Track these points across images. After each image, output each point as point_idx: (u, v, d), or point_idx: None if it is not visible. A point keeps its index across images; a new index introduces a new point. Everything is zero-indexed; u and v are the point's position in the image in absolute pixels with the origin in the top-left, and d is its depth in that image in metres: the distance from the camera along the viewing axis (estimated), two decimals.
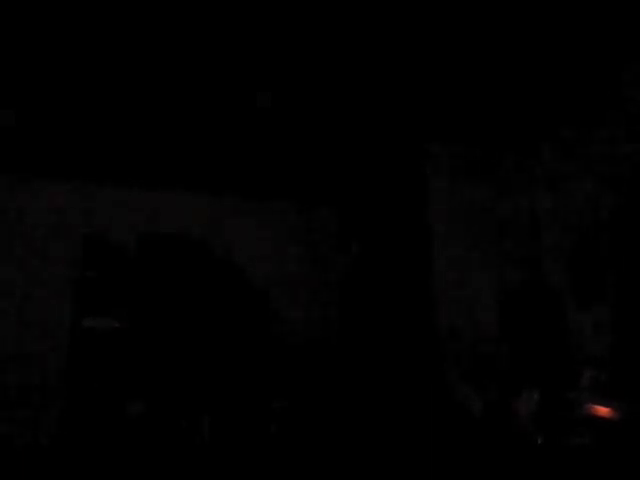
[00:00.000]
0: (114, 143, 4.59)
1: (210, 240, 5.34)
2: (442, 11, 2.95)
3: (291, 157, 4.85)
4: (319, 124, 4.28)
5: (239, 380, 4.93)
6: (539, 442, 2.71)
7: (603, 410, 2.57)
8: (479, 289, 4.18)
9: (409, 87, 3.75)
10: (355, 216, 5.91)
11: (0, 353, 4.74)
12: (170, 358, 4.84)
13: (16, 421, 4.59)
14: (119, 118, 4.18)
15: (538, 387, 2.96)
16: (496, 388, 3.38)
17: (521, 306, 3.71)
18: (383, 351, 5.32)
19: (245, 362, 5.02)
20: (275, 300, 5.41)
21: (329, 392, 5.12)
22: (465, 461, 3.24)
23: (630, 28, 3.05)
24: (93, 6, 2.92)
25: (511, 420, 3.06)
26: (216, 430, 4.66)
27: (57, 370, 4.73)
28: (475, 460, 3.15)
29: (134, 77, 3.63)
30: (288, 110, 4.07)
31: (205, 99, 3.91)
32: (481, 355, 3.90)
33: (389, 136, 4.47)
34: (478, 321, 4.06)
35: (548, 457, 2.65)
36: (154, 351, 4.83)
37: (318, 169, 5.11)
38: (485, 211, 4.45)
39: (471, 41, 3.23)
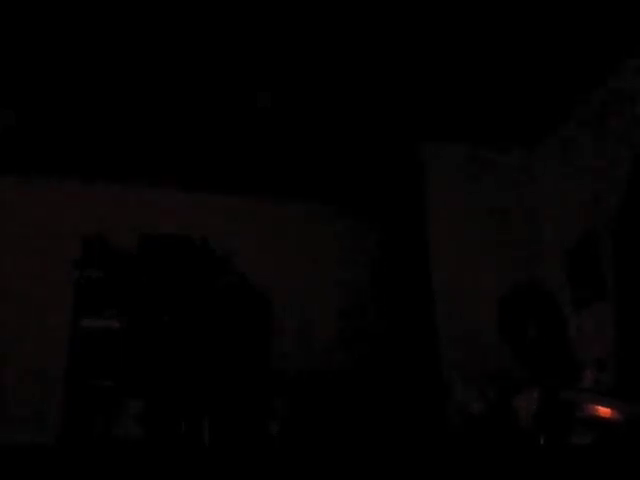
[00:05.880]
0: (114, 143, 4.59)
1: (210, 240, 5.33)
2: (441, 10, 2.95)
3: (290, 157, 4.85)
4: (318, 124, 4.28)
5: (239, 381, 4.92)
6: (540, 442, 2.70)
7: (604, 410, 2.56)
8: (479, 289, 4.17)
9: (408, 86, 3.74)
10: (356, 215, 5.90)
11: (0, 353, 4.73)
12: (170, 359, 4.83)
13: (16, 421, 4.58)
14: (119, 118, 4.18)
15: (539, 387, 2.95)
16: (496, 388, 3.37)
17: (520, 306, 3.70)
18: (382, 352, 5.31)
19: (245, 363, 5.02)
20: (275, 303, 5.40)
21: (330, 394, 5.11)
22: (465, 461, 3.23)
23: (629, 25, 3.05)
24: (93, 6, 2.92)
25: (512, 420, 3.05)
26: (216, 433, 4.65)
27: (57, 370, 4.72)
28: (475, 460, 3.14)
29: (134, 77, 3.63)
30: (288, 110, 4.06)
31: (205, 99, 3.91)
32: (481, 354, 3.89)
33: (388, 135, 4.47)
34: (478, 321, 4.06)
35: (549, 457, 2.64)
36: (154, 352, 4.82)
37: (317, 168, 5.10)
38: (485, 211, 4.44)
39: (470, 39, 3.22)
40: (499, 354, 3.74)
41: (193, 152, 4.76)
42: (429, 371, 4.18)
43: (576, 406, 2.70)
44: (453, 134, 4.38)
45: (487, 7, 2.90)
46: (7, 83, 3.69)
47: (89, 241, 4.98)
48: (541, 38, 3.18)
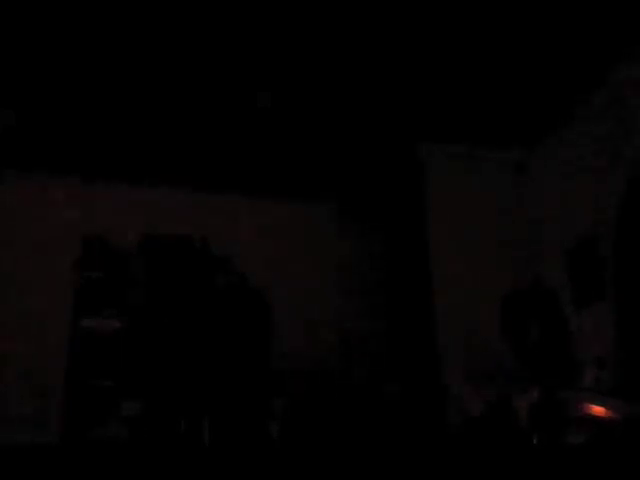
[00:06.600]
0: (115, 143, 4.59)
1: (210, 240, 5.33)
2: (443, 11, 2.95)
3: (291, 157, 4.85)
4: (318, 124, 4.27)
5: (239, 381, 4.92)
6: (536, 441, 2.70)
7: (601, 410, 2.56)
8: (479, 289, 4.17)
9: (409, 86, 3.74)
10: (356, 215, 5.90)
11: (0, 353, 4.73)
12: (170, 359, 4.83)
13: (16, 421, 4.58)
14: (120, 118, 4.18)
15: (538, 386, 2.95)
16: (496, 388, 3.37)
17: (521, 306, 3.70)
18: (382, 352, 5.31)
19: (245, 363, 5.01)
20: (275, 303, 5.40)
21: (330, 393, 5.11)
22: (465, 460, 3.23)
23: (630, 27, 3.05)
24: (93, 6, 2.92)
25: (512, 420, 3.05)
26: (216, 432, 4.65)
27: (57, 370, 4.72)
28: (475, 460, 3.14)
29: (135, 77, 3.63)
30: (288, 110, 4.06)
31: (206, 99, 3.91)
32: (481, 354, 3.90)
33: (388, 136, 4.47)
34: (478, 321, 4.06)
35: (546, 456, 2.64)
36: (154, 352, 4.82)
37: (317, 168, 5.10)
38: (485, 211, 4.44)
39: (470, 40, 3.22)
40: (499, 354, 3.74)
41: (193, 152, 4.76)
42: (429, 371, 4.18)
43: (571, 405, 2.70)
44: (453, 134, 4.39)
45: (488, 10, 2.91)
46: (7, 83, 3.69)
47: (89, 241, 4.98)
48: (541, 39, 3.19)
